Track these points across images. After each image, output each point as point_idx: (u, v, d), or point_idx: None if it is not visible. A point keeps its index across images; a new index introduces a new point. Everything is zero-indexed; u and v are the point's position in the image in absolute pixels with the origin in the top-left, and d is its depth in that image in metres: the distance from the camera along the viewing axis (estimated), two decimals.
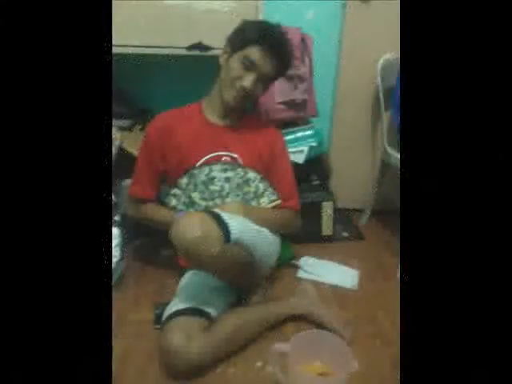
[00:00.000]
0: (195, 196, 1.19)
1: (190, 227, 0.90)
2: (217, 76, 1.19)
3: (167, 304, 1.05)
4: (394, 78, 1.60)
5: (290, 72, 1.46)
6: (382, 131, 1.68)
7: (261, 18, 1.41)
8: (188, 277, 1.17)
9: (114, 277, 1.27)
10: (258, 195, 1.21)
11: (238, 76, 1.11)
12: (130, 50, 1.40)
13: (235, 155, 1.20)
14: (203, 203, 1.19)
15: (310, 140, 1.59)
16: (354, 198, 1.94)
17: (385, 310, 1.21)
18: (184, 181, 1.19)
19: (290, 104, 1.57)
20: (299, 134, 1.59)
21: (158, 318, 1.08)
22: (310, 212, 1.56)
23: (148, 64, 1.68)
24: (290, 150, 1.42)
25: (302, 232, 1.35)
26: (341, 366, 0.84)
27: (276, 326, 1.11)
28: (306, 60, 1.58)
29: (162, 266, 1.41)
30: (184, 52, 1.43)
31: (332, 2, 1.71)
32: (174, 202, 1.21)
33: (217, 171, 1.17)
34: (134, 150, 1.41)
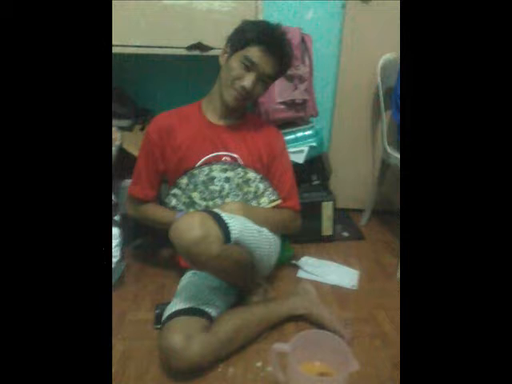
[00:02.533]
0: (195, 196, 1.19)
1: (190, 227, 0.90)
2: (217, 76, 1.19)
3: (167, 304, 1.05)
4: (394, 78, 1.60)
5: (290, 72, 1.47)
6: (381, 131, 1.68)
7: (261, 17, 1.41)
8: (188, 277, 1.17)
9: (114, 277, 1.27)
10: (257, 195, 1.21)
11: (238, 76, 1.11)
12: (130, 50, 1.40)
13: (235, 155, 1.20)
14: (203, 203, 1.19)
15: (309, 140, 1.59)
16: (354, 198, 1.94)
17: (385, 310, 1.21)
18: (184, 181, 1.19)
19: (290, 104, 1.57)
20: (299, 134, 1.59)
21: (157, 318, 1.08)
22: (310, 212, 1.56)
23: (148, 64, 1.68)
24: (290, 150, 1.42)
25: (301, 232, 1.35)
26: (341, 366, 0.84)
27: (276, 326, 1.11)
28: (306, 60, 1.58)
29: (162, 266, 1.41)
30: (184, 52, 1.43)
31: (332, 2, 1.71)
32: (173, 202, 1.21)
33: (217, 171, 1.17)
34: (134, 150, 1.41)
